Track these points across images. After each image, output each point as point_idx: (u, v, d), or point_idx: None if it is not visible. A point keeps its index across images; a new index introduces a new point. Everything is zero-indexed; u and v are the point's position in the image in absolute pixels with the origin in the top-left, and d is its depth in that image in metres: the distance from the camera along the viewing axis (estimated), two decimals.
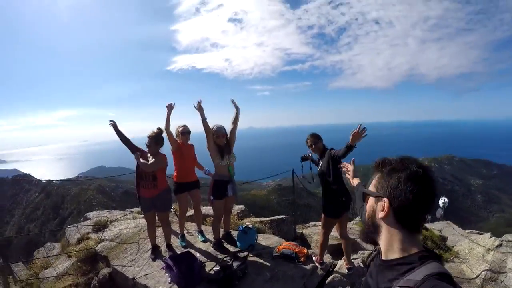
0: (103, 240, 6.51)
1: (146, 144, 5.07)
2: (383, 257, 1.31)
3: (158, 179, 5.12)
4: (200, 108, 4.96)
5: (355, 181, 2.40)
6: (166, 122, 5.26)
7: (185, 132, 5.60)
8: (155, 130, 5.12)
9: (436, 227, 8.16)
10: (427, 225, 8.19)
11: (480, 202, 69.02)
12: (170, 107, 5.26)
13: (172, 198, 5.57)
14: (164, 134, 5.20)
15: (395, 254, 1.24)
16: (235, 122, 5.35)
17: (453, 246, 6.60)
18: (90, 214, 9.18)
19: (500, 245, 5.73)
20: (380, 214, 1.28)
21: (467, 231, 7.77)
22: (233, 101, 5.41)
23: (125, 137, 5.25)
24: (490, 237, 6.15)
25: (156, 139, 5.09)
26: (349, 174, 2.56)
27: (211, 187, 5.19)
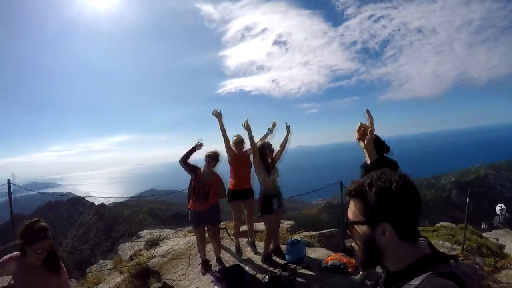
0: (155, 256, 6.73)
1: (207, 159, 5.48)
2: (390, 269, 1.29)
3: (210, 194, 5.36)
4: (247, 127, 5.25)
5: (370, 158, 1.87)
6: (221, 130, 5.63)
7: (238, 142, 5.80)
8: (216, 150, 5.58)
9: (493, 235, 7.73)
10: (484, 234, 7.76)
11: None
12: (217, 114, 5.60)
13: (221, 214, 5.80)
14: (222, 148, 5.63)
15: (402, 265, 1.22)
16: (283, 145, 5.73)
17: (510, 254, 6.26)
18: (142, 233, 9.51)
19: None
20: (384, 239, 1.21)
21: None
22: (286, 124, 5.78)
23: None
24: None
25: (216, 155, 5.52)
26: (363, 141, 1.85)
27: (259, 203, 5.31)
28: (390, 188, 1.18)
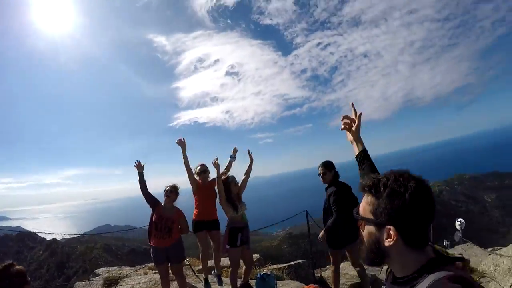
0: None
1: (167, 193, 5.12)
2: (396, 275, 1.27)
3: (173, 230, 5.07)
4: (217, 166, 5.13)
5: (358, 147, 2.05)
6: (183, 158, 5.46)
7: (201, 171, 5.60)
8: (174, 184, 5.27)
9: (456, 251, 7.88)
10: (448, 250, 7.90)
11: (498, 217, 66.43)
12: (182, 143, 5.44)
13: (185, 250, 5.43)
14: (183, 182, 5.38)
15: (408, 271, 1.20)
16: (248, 172, 5.57)
17: (477, 267, 6.35)
18: (100, 271, 8.90)
19: None
20: (387, 243, 1.19)
21: (489, 249, 7.49)
22: (248, 151, 5.66)
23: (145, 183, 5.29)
24: None
25: (175, 189, 5.19)
26: (350, 132, 2.05)
27: (226, 235, 5.07)
28: (403, 193, 1.16)
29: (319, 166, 5.04)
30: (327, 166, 4.97)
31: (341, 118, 2.03)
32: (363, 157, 1.97)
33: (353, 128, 1.97)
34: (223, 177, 5.16)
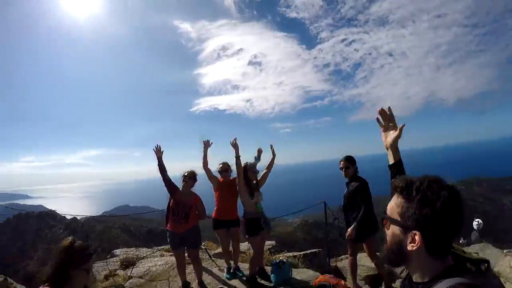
0: (132, 277, 6.35)
1: (185, 179, 5.22)
2: (413, 278, 1.27)
3: (190, 216, 5.10)
4: (235, 146, 5.07)
5: (394, 158, 1.90)
6: (203, 158, 5.39)
7: (223, 170, 5.52)
8: (193, 170, 5.33)
9: (473, 250, 7.70)
10: (464, 249, 7.75)
11: None
12: (207, 144, 5.38)
13: (201, 235, 5.50)
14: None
15: (426, 278, 1.21)
16: (269, 167, 5.63)
17: (493, 268, 6.20)
18: (117, 251, 9.05)
19: None
20: (410, 247, 1.18)
21: (505, 250, 7.30)
22: (271, 146, 5.66)
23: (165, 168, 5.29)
24: None
25: (193, 175, 5.28)
26: (387, 136, 1.91)
27: (243, 226, 5.14)
28: (435, 201, 1.13)
29: (341, 160, 5.00)
30: (350, 160, 4.96)
31: (379, 110, 1.91)
32: (397, 171, 1.89)
33: (393, 138, 1.87)
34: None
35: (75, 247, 2.42)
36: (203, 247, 7.15)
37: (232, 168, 5.44)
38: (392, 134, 1.87)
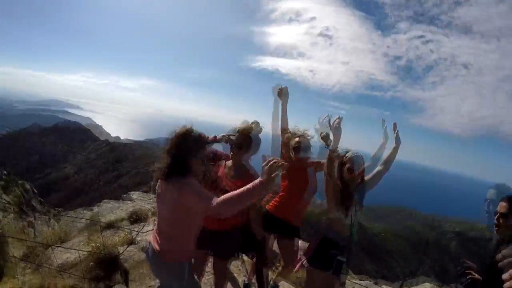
0: (133, 243, 4.86)
1: (231, 141, 2.90)
2: None
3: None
4: (337, 128, 2.73)
5: None
6: (282, 117, 3.38)
7: (300, 147, 3.23)
8: (251, 125, 2.98)
9: None
10: None
11: None
12: (284, 93, 3.32)
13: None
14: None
15: None
16: (388, 161, 3.05)
17: None
18: (134, 195, 7.83)
19: None
20: None
21: None
22: (395, 126, 3.07)
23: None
24: None
25: (249, 139, 2.92)
26: None
27: (311, 246, 2.97)
28: None
29: (502, 200, 2.55)
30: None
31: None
32: None
33: None
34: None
35: (192, 135, 2.27)
36: (238, 258, 4.60)
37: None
38: None
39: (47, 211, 20.51)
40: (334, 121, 2.72)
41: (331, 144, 2.78)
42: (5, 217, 12.83)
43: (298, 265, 2.92)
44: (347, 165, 2.76)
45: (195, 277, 2.62)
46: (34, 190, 24.85)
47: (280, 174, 3.09)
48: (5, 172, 23.14)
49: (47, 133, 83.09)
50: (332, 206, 2.81)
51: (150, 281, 3.95)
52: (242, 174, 2.87)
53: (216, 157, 2.99)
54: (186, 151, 2.20)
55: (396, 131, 3.03)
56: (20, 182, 23.15)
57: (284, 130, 3.38)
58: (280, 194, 3.40)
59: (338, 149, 2.76)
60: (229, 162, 2.98)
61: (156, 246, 2.35)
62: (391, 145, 3.07)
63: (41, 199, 25.07)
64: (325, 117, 2.81)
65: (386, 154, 3.07)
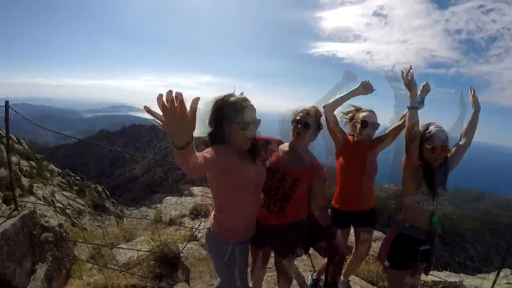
0: (195, 238, 4.78)
1: (298, 123, 2.44)
2: None
3: (291, 201, 2.48)
4: (410, 81, 2.37)
5: None
6: (340, 100, 2.84)
7: (367, 122, 2.92)
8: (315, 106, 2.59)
9: None
10: None
11: None
12: (367, 88, 2.85)
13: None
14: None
15: None
16: (469, 132, 2.53)
17: None
18: (196, 190, 7.78)
19: None
20: None
21: None
22: (471, 90, 2.56)
23: None
24: None
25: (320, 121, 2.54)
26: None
27: (387, 242, 2.54)
28: None
29: None
30: None
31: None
32: None
33: None
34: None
35: (227, 102, 2.12)
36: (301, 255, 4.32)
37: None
38: None
39: (121, 211, 21.65)
40: (408, 71, 2.36)
41: (410, 101, 2.38)
42: (81, 220, 13.69)
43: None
44: (430, 143, 2.30)
45: (238, 264, 2.27)
46: (107, 192, 26.41)
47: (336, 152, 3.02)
48: (78, 177, 24.80)
49: (115, 137, 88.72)
50: (410, 190, 2.37)
51: (211, 279, 3.74)
52: (297, 161, 2.46)
53: (266, 143, 2.57)
54: (221, 119, 2.12)
55: (474, 95, 2.53)
56: (93, 186, 24.65)
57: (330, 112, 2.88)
58: (339, 184, 3.08)
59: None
60: (285, 146, 2.56)
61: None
62: (468, 114, 2.61)
63: (114, 200, 26.53)
64: (391, 70, 2.41)
65: (464, 125, 2.57)
